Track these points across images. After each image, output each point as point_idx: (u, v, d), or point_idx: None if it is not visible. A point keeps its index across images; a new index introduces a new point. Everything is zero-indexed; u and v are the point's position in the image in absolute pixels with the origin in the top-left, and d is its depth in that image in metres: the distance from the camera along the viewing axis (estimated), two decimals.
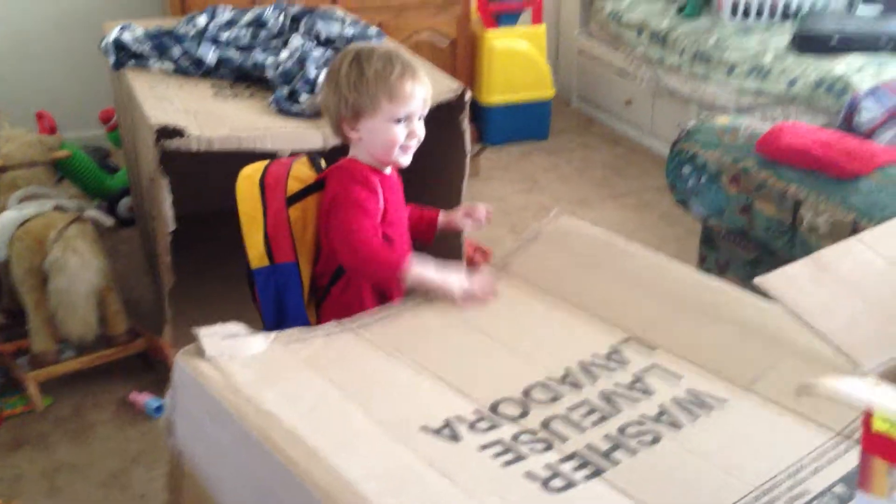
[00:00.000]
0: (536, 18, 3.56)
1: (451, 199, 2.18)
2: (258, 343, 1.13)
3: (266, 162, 1.50)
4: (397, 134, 1.38)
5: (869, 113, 1.95)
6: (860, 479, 0.73)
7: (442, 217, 1.54)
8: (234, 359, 1.10)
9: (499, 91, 3.50)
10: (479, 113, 3.53)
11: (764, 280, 0.73)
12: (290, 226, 1.43)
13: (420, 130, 1.41)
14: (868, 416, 0.70)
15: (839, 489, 0.90)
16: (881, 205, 1.62)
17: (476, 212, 1.52)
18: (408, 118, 1.39)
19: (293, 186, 1.45)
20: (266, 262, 1.44)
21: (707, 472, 0.95)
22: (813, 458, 0.95)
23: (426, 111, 1.42)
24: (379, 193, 1.40)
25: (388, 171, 1.45)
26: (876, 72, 2.48)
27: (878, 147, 1.76)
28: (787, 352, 1.11)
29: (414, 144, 1.43)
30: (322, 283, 1.43)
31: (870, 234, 0.80)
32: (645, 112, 3.52)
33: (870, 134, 1.94)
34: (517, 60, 3.50)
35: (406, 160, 1.43)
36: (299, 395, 1.04)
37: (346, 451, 0.94)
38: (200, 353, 1.10)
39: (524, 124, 3.60)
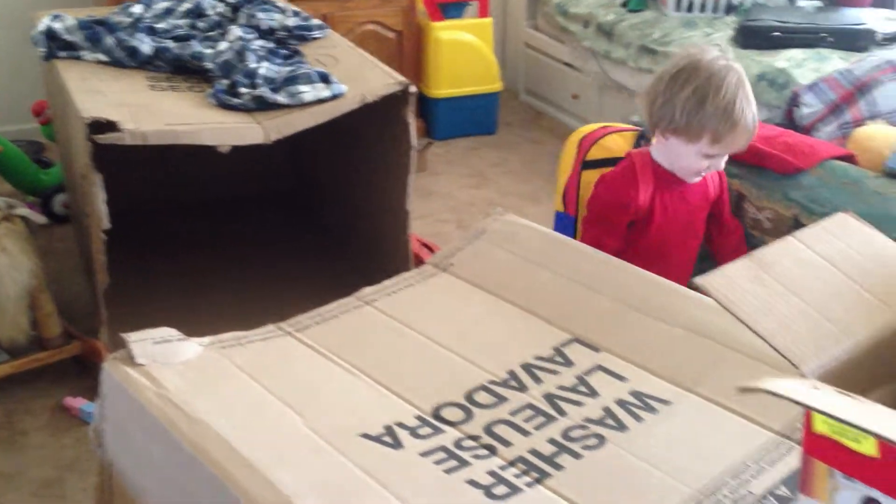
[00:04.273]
0: (483, 11, 3.54)
1: (397, 194, 2.16)
2: (191, 348, 1.09)
3: (600, 125, 1.68)
4: (700, 165, 1.46)
5: (809, 108, 1.97)
6: (801, 482, 0.72)
7: None
8: (165, 365, 1.05)
9: (446, 84, 3.48)
10: (427, 107, 3.50)
11: (703, 280, 0.72)
12: (579, 186, 1.59)
13: (721, 165, 1.48)
14: (808, 418, 0.69)
15: (782, 491, 0.89)
16: (822, 200, 1.63)
17: None
18: (717, 155, 1.45)
19: (596, 153, 1.59)
20: (560, 209, 1.64)
21: (651, 475, 0.93)
22: (755, 459, 0.94)
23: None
24: (639, 196, 1.47)
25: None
26: (816, 66, 2.51)
27: (818, 142, 1.77)
28: (731, 351, 1.11)
29: (708, 172, 1.50)
30: None
31: (808, 231, 0.79)
32: (593, 106, 3.53)
33: (810, 129, 1.96)
34: (464, 53, 3.48)
35: (695, 180, 1.50)
36: (234, 403, 1.00)
37: (284, 463, 0.90)
38: (130, 359, 1.05)
39: (472, 118, 3.59)
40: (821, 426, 0.69)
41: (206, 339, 1.12)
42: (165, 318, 1.18)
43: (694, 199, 1.55)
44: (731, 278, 0.75)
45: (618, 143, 1.63)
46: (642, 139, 1.62)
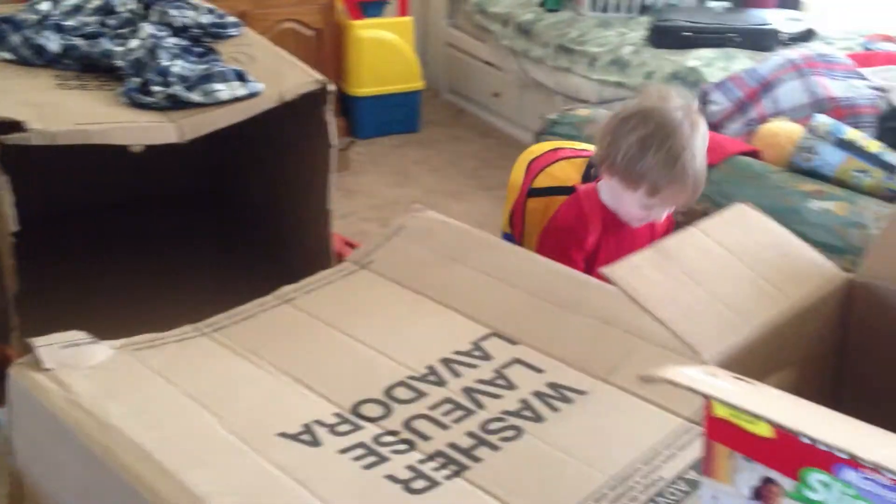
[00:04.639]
0: (402, 10, 3.54)
1: (319, 193, 2.14)
2: (102, 351, 1.06)
3: (552, 146, 1.60)
4: (639, 214, 1.41)
5: (717, 105, 2.03)
6: (704, 465, 0.75)
7: None
8: (75, 369, 1.03)
9: (367, 83, 3.47)
10: (349, 106, 3.48)
11: (609, 270, 0.74)
12: (524, 213, 1.53)
13: (661, 216, 1.43)
14: (709, 403, 0.72)
15: (691, 474, 0.93)
16: (730, 194, 1.69)
17: None
18: (656, 206, 1.42)
19: (542, 181, 1.52)
20: (507, 230, 1.57)
21: (567, 464, 0.96)
22: (666, 445, 0.97)
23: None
24: (589, 238, 1.43)
25: None
26: (725, 65, 2.59)
27: (725, 138, 1.83)
28: (643, 341, 1.14)
29: (648, 220, 1.46)
30: None
31: (709, 222, 0.82)
32: (513, 104, 3.57)
33: (718, 125, 2.03)
34: (385, 51, 3.47)
35: (637, 226, 1.46)
36: (147, 406, 0.98)
37: (199, 465, 0.89)
38: (37, 364, 1.02)
39: (394, 117, 3.59)
40: (720, 411, 0.72)
41: (119, 342, 1.09)
42: (82, 322, 1.15)
43: (641, 240, 1.49)
44: (637, 269, 0.77)
45: (566, 172, 1.56)
46: (591, 169, 1.58)
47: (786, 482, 0.69)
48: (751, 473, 0.71)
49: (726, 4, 3.20)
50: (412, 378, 1.09)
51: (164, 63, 1.98)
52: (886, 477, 0.64)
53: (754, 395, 0.67)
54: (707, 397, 0.65)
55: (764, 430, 0.70)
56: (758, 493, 0.71)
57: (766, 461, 0.70)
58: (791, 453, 0.68)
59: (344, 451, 0.95)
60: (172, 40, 2.13)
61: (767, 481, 0.71)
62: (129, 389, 1.01)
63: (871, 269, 0.84)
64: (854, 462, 0.65)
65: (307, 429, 0.98)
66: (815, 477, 0.67)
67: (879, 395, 0.85)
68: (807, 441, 0.62)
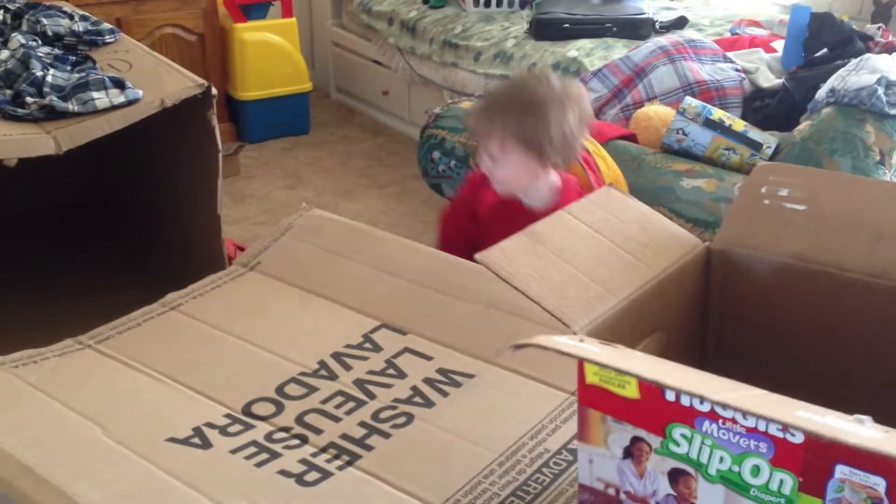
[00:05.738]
0: (286, 11, 3.51)
1: (207, 199, 2.11)
2: None
3: None
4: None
5: (595, 93, 2.10)
6: (579, 431, 0.79)
7: None
8: None
9: (254, 86, 3.43)
10: (237, 110, 3.44)
11: (483, 255, 0.77)
12: None
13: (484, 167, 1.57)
14: (581, 372, 0.76)
15: (574, 444, 0.97)
16: None
17: None
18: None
19: None
20: None
21: (457, 445, 0.98)
22: (551, 419, 1.01)
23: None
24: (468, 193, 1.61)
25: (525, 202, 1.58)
26: (603, 54, 2.68)
27: (603, 124, 1.90)
28: (527, 322, 1.18)
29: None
30: None
31: (577, 204, 0.86)
32: (402, 101, 3.59)
33: (597, 112, 2.10)
34: (270, 54, 3.44)
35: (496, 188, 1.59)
36: (28, 422, 0.96)
37: (84, 476, 0.88)
38: None
39: (284, 119, 3.56)
40: (591, 377, 0.76)
41: None
42: None
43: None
44: (509, 252, 0.81)
45: None
46: None
47: (653, 439, 0.73)
48: (621, 434, 0.75)
49: None
50: (303, 374, 1.10)
51: (38, 73, 1.92)
52: (740, 425, 0.69)
53: (620, 357, 0.71)
54: (576, 358, 0.69)
55: (631, 392, 0.74)
56: (628, 453, 0.75)
57: (634, 421, 0.74)
58: (657, 411, 0.73)
59: (235, 450, 0.95)
60: (45, 49, 2.07)
61: (637, 440, 0.75)
62: (7, 406, 0.98)
63: (725, 237, 0.89)
64: (712, 414, 0.70)
65: (197, 432, 0.97)
66: (678, 431, 0.72)
67: (738, 353, 0.91)
68: (668, 392, 0.66)
